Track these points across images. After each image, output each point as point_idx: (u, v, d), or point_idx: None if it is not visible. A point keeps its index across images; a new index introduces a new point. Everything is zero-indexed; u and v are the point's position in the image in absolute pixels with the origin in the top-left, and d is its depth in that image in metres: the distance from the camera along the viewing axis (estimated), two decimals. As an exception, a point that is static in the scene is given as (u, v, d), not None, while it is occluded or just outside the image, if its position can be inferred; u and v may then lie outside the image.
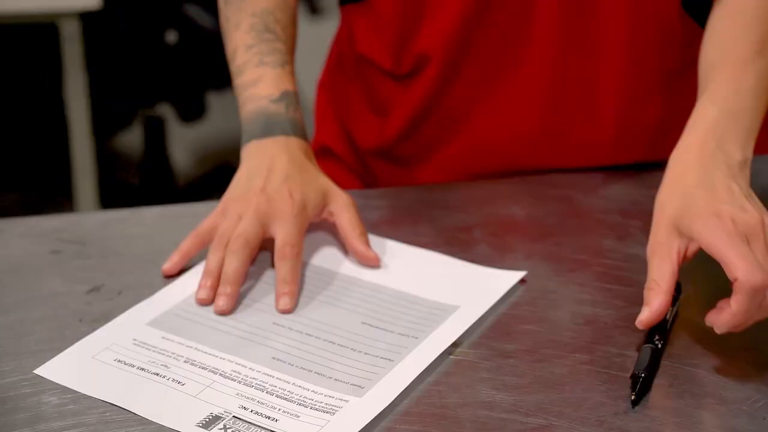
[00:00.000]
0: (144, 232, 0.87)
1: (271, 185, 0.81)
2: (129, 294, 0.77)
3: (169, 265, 0.79)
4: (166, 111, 2.55)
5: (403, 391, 0.66)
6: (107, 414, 0.64)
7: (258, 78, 0.87)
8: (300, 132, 0.86)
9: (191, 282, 0.78)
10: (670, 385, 0.67)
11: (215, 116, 2.74)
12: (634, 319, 0.73)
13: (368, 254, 0.81)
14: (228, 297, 0.75)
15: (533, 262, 0.82)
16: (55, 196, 2.58)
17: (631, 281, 0.79)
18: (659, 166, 0.84)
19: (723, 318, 0.68)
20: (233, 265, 0.76)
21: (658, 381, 0.68)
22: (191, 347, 0.71)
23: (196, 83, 2.44)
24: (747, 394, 0.66)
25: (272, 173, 0.82)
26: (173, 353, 0.70)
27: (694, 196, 0.72)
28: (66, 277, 0.79)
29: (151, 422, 0.64)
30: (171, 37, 2.32)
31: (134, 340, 0.71)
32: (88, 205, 2.11)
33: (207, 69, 2.42)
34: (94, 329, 0.73)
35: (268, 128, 0.85)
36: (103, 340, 0.72)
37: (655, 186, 0.78)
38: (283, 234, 0.78)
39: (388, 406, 0.65)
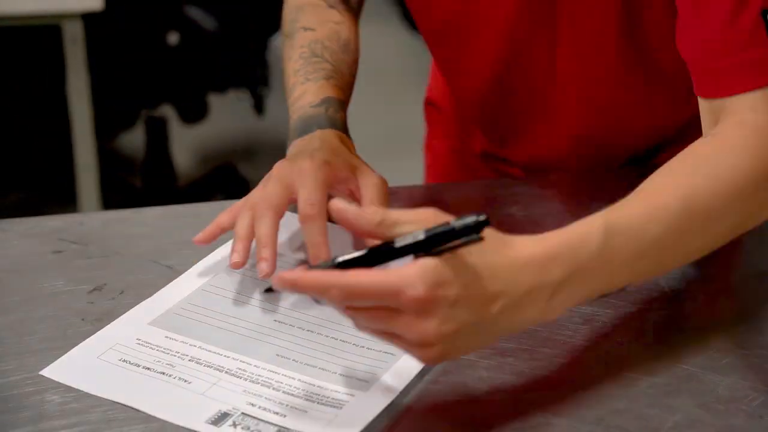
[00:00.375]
0: (146, 232, 0.87)
1: (298, 156, 0.81)
2: (131, 293, 0.77)
3: (202, 236, 0.79)
4: (167, 112, 2.55)
5: (405, 386, 0.67)
6: (110, 412, 0.64)
7: (302, 93, 0.90)
8: (338, 126, 0.87)
9: (193, 281, 0.79)
10: (667, 384, 0.67)
11: (216, 117, 2.74)
12: (633, 318, 0.73)
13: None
14: (267, 260, 0.75)
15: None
16: (57, 196, 2.59)
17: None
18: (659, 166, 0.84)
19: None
20: (262, 228, 0.76)
21: (656, 380, 0.68)
22: (195, 346, 0.71)
23: (197, 84, 2.45)
24: (744, 393, 0.66)
25: (302, 150, 0.83)
26: (177, 352, 0.71)
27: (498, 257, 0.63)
28: (68, 277, 0.80)
29: (154, 420, 0.64)
30: (173, 38, 2.32)
31: (138, 339, 0.72)
32: (90, 205, 2.11)
33: (208, 70, 2.43)
34: (96, 328, 0.73)
35: (305, 128, 0.86)
36: (106, 340, 0.72)
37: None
38: (303, 193, 0.78)
39: (393, 400, 0.65)
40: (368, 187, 0.81)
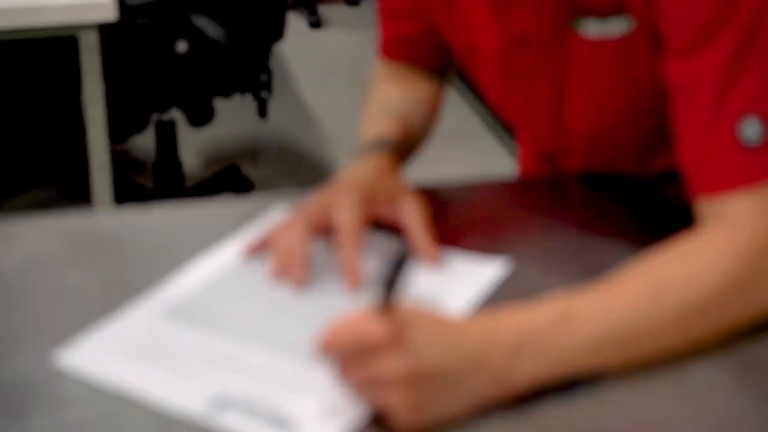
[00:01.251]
0: (156, 229, 0.89)
1: (341, 180, 0.84)
2: (142, 288, 0.78)
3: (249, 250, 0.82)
4: (176, 116, 2.54)
5: None
6: (124, 403, 0.66)
7: (364, 135, 0.94)
8: (387, 148, 0.89)
9: (199, 275, 0.80)
10: (667, 389, 0.68)
11: (222, 121, 2.75)
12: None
13: (435, 256, 0.80)
14: (295, 274, 0.77)
15: (529, 261, 0.82)
16: (73, 195, 2.58)
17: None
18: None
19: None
20: (290, 242, 0.79)
21: (656, 384, 0.68)
22: (200, 336, 0.73)
23: (204, 90, 2.43)
24: (742, 391, 0.68)
25: (348, 174, 0.86)
26: (182, 341, 0.72)
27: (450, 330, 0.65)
28: (83, 272, 0.81)
29: (168, 407, 0.65)
30: (181, 46, 2.30)
31: (145, 329, 0.73)
32: (104, 203, 2.11)
33: (215, 76, 2.41)
34: (110, 321, 0.75)
35: (359, 152, 0.90)
36: (115, 330, 0.73)
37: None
38: (337, 220, 0.79)
39: None
40: (409, 215, 0.82)
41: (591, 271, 0.76)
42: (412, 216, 0.83)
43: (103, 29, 1.98)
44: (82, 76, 2.01)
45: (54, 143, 2.61)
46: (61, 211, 0.96)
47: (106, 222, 0.92)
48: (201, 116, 2.48)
